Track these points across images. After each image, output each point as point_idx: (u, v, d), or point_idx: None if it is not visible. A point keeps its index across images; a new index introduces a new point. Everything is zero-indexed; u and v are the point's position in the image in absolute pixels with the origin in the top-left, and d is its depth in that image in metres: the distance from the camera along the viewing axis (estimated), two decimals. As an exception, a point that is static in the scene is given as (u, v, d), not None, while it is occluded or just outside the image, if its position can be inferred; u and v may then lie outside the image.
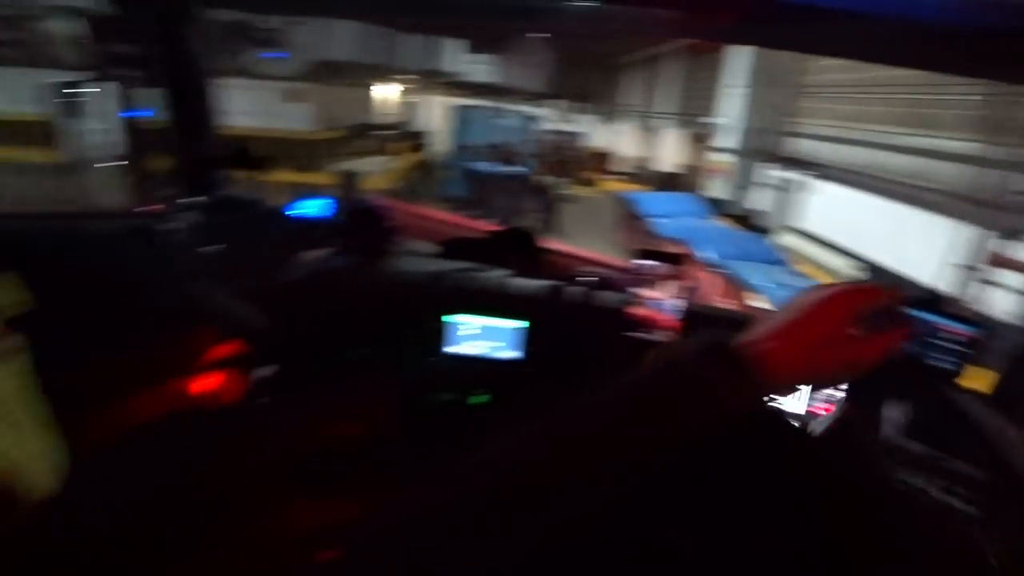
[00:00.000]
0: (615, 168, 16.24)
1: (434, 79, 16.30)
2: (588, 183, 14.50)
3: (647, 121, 15.79)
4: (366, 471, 1.31)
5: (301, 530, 1.23)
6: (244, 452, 1.39)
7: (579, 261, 1.63)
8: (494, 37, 14.24)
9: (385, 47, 12.85)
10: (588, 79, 18.62)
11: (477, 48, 15.05)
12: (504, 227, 1.64)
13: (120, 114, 1.89)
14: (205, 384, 1.85)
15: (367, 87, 17.62)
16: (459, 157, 11.81)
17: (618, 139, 17.19)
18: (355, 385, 1.22)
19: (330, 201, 1.77)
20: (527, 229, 1.59)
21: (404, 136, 17.48)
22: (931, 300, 1.01)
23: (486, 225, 1.67)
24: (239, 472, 1.37)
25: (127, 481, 1.28)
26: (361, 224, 1.28)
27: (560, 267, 1.59)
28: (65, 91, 1.65)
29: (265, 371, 1.41)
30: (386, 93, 19.60)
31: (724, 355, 0.44)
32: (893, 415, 0.93)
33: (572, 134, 15.57)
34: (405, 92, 19.31)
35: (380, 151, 15.33)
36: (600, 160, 16.26)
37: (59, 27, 1.46)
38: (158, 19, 1.72)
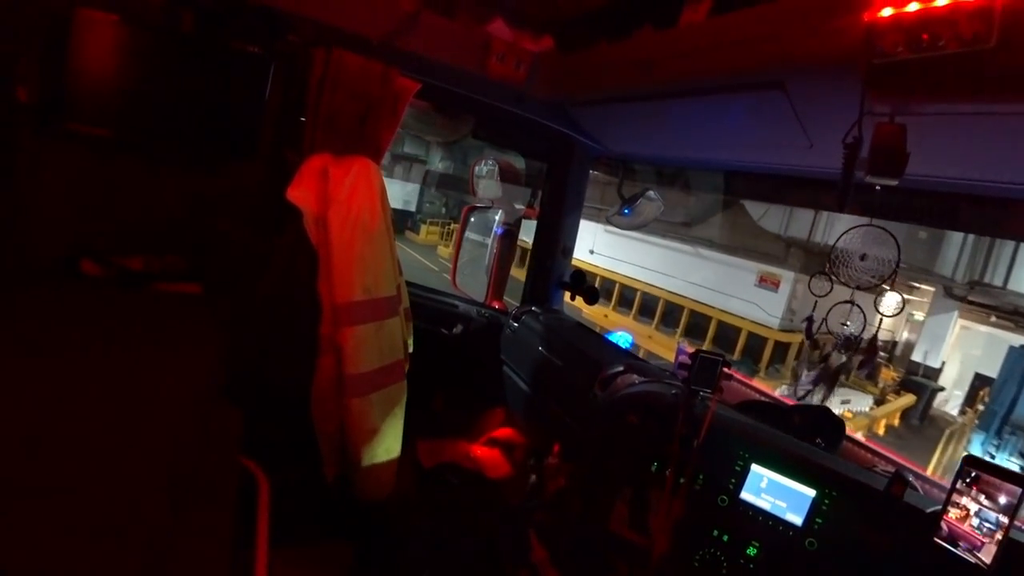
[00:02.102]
0: None
1: (967, 295, 12.13)
2: None
3: None
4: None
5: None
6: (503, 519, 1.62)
7: (882, 458, 1.47)
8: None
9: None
10: None
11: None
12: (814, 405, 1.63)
13: (498, 230, 2.50)
14: (484, 453, 2.21)
15: (872, 288, 15.38)
16: (1006, 426, 7.87)
17: None
18: (649, 497, 1.37)
19: (630, 336, 2.11)
20: (832, 412, 1.54)
21: (897, 365, 13.64)
22: None
23: (791, 400, 1.66)
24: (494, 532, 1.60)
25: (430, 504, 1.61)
26: (698, 363, 1.41)
27: (861, 457, 1.50)
28: (476, 210, 2.43)
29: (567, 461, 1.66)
30: (888, 301, 17.00)
31: None
32: None
33: None
34: (914, 305, 15.15)
35: (855, 377, 11.94)
36: None
37: (487, 169, 2.27)
38: (548, 177, 2.34)
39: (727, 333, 13.19)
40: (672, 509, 1.31)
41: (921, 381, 12.52)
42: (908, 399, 12.00)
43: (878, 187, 1.51)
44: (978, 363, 13.31)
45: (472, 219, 2.49)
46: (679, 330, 13.64)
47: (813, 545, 1.25)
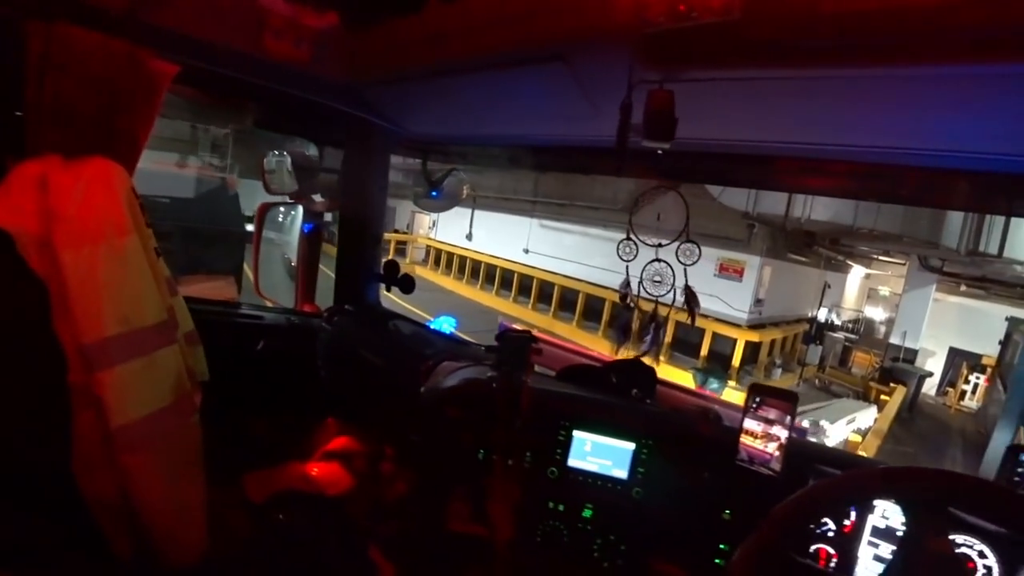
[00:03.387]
0: None
1: (942, 266, 10.97)
2: None
3: None
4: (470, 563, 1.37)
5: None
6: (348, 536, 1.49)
7: (696, 396, 1.63)
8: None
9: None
10: None
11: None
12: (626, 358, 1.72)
13: (304, 227, 2.28)
14: (321, 470, 2.03)
15: (837, 263, 12.69)
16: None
17: None
18: (483, 486, 1.36)
19: (454, 320, 2.08)
20: (646, 362, 1.64)
21: (870, 348, 12.02)
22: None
23: (609, 356, 1.75)
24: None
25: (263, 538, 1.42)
26: (505, 344, 1.43)
27: (676, 400, 1.63)
28: (278, 208, 2.18)
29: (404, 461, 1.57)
30: (854, 275, 13.89)
31: None
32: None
33: None
34: (881, 280, 13.65)
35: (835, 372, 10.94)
36: None
37: (276, 162, 2.02)
38: (347, 164, 2.17)
39: (688, 337, 10.75)
40: (507, 493, 1.31)
41: (905, 367, 11.19)
42: (902, 392, 10.48)
43: (660, 151, 1.63)
44: (953, 337, 12.92)
45: (275, 218, 2.23)
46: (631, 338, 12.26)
47: (640, 494, 1.34)
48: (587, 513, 1.36)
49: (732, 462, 1.25)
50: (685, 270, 1.52)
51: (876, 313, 15.29)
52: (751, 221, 10.18)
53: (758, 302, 10.92)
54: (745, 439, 1.25)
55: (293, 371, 2.08)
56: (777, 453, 1.22)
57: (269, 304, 2.32)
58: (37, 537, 1.07)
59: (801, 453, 1.26)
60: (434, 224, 20.34)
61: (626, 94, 1.18)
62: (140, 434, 1.17)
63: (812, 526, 1.20)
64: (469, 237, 15.71)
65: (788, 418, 1.22)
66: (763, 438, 1.24)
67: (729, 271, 11.01)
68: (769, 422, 1.24)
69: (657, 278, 1.52)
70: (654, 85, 1.17)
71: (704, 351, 10.81)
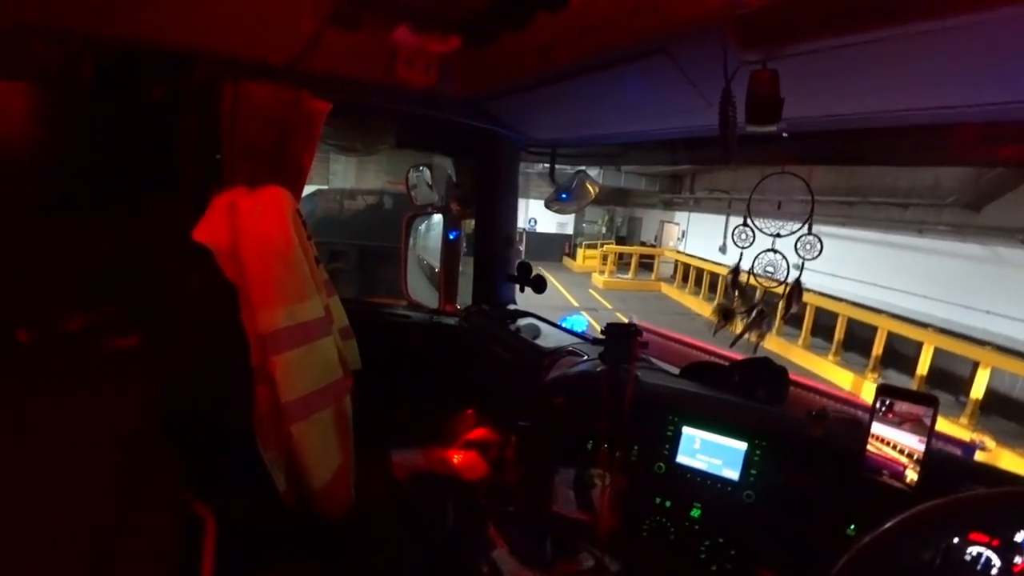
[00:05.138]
0: None
1: None
2: None
3: None
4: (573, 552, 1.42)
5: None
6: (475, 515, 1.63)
7: (827, 396, 1.47)
8: None
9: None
10: None
11: None
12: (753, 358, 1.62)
13: (450, 234, 2.50)
14: (461, 457, 2.22)
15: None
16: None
17: None
18: (590, 475, 1.37)
19: (586, 320, 2.13)
20: (775, 363, 1.53)
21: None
22: None
23: (735, 354, 1.66)
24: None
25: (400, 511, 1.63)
26: (617, 338, 1.43)
27: (808, 401, 1.49)
28: (418, 218, 2.44)
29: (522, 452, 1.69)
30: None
31: None
32: None
33: None
34: None
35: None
36: None
37: (417, 177, 2.29)
38: (478, 174, 2.35)
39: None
40: (612, 484, 1.31)
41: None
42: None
43: (785, 134, 1.52)
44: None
45: (416, 227, 2.52)
46: (966, 410, 7.63)
47: (751, 497, 1.27)
48: (695, 512, 1.32)
49: (858, 472, 1.13)
50: (802, 265, 1.38)
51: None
52: None
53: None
54: (873, 446, 1.12)
55: (437, 365, 2.31)
56: (912, 464, 1.07)
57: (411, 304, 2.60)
58: (230, 482, 1.38)
59: (945, 467, 1.11)
60: (683, 235, 18.59)
61: (726, 80, 1.13)
62: (301, 408, 1.44)
63: (968, 558, 1.04)
64: (723, 250, 14.46)
65: (927, 424, 1.06)
66: (895, 446, 1.10)
67: None
68: (903, 428, 1.09)
69: (770, 268, 1.41)
70: (756, 67, 1.12)
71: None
